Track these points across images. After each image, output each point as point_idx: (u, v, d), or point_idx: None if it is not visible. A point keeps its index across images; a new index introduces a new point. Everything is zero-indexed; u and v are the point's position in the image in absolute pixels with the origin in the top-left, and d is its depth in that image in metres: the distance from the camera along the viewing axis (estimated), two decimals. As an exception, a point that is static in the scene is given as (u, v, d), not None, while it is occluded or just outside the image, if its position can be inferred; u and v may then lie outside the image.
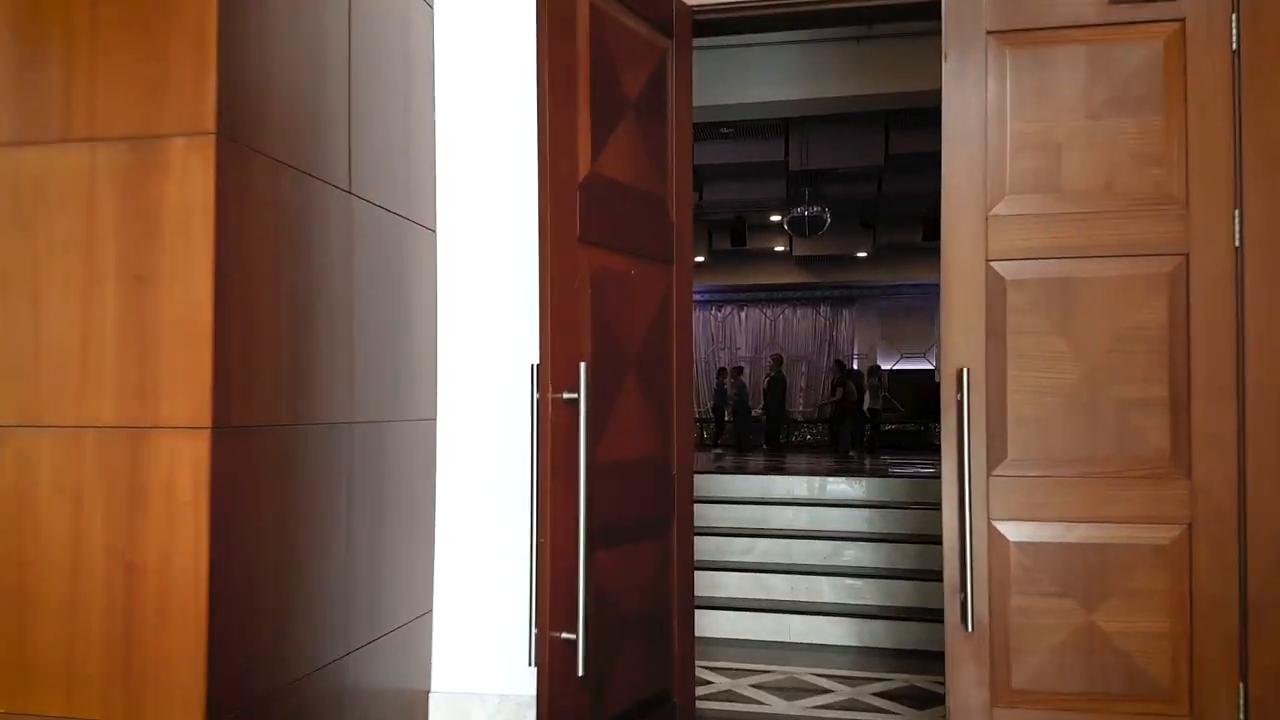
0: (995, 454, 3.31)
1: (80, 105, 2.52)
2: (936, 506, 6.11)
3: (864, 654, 5.35)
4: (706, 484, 6.72)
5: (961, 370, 3.27)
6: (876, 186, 18.81)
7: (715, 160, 18.01)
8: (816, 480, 6.90)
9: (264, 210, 2.69)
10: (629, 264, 3.22)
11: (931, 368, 22.69)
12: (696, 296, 20.80)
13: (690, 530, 3.59)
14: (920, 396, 21.07)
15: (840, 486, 6.68)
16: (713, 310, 23.50)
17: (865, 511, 6.41)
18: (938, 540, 5.65)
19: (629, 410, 3.20)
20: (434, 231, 3.81)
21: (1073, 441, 3.25)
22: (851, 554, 5.94)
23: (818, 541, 6.08)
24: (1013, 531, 3.31)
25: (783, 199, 17.98)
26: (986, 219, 3.37)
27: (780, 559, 6.04)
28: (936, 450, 3.84)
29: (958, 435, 3.23)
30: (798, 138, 17.51)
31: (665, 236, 3.49)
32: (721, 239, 19.66)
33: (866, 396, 16.89)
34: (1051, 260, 3.32)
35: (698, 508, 6.25)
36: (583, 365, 2.83)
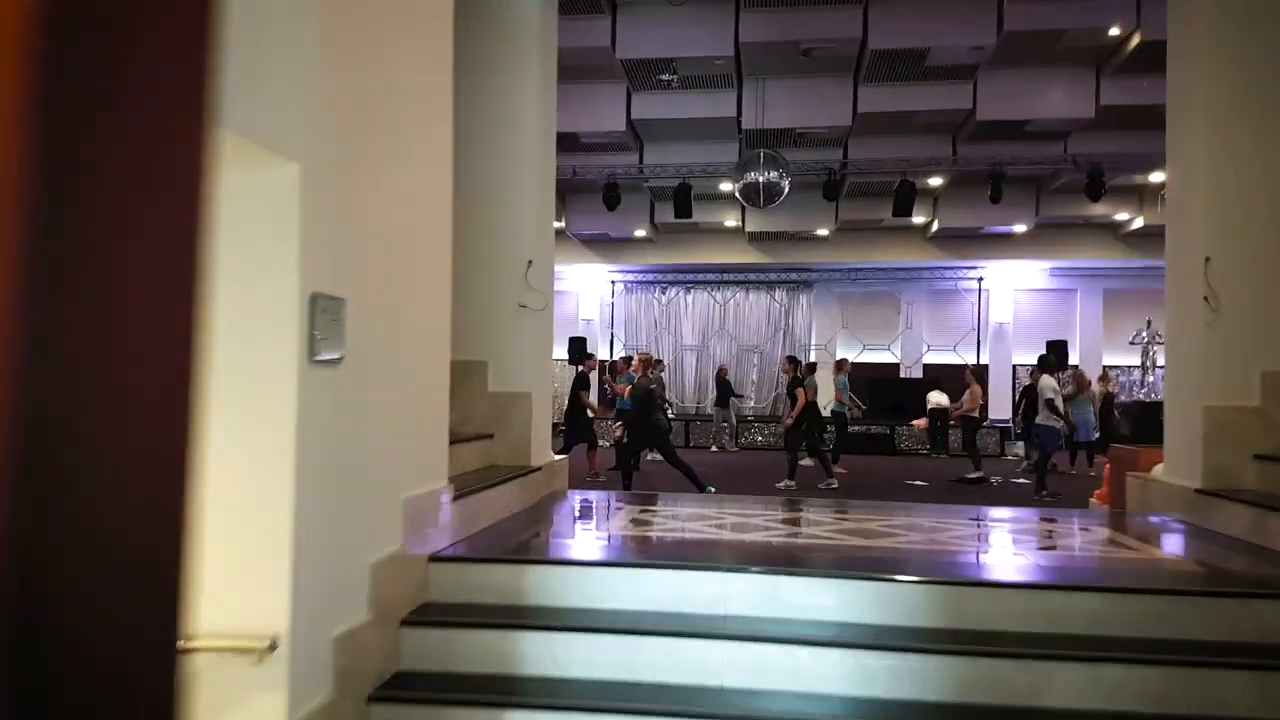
0: None
1: None
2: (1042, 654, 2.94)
3: None
4: (546, 583, 3.68)
5: None
6: (841, 151, 15.89)
7: (656, 114, 14.89)
8: (768, 584, 3.43)
9: None
10: None
11: (896, 360, 19.84)
12: (638, 276, 17.50)
13: None
14: (884, 394, 18.19)
15: (829, 592, 3.42)
16: (656, 292, 20.36)
17: (887, 659, 3.13)
18: None
19: None
20: None
21: None
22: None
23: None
24: None
25: (735, 164, 14.92)
26: None
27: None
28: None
29: None
30: (753, 89, 14.45)
31: None
32: (665, 210, 16.56)
33: (841, 398, 13.85)
34: None
35: (525, 639, 3.11)
36: None
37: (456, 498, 4.23)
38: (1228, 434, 5.12)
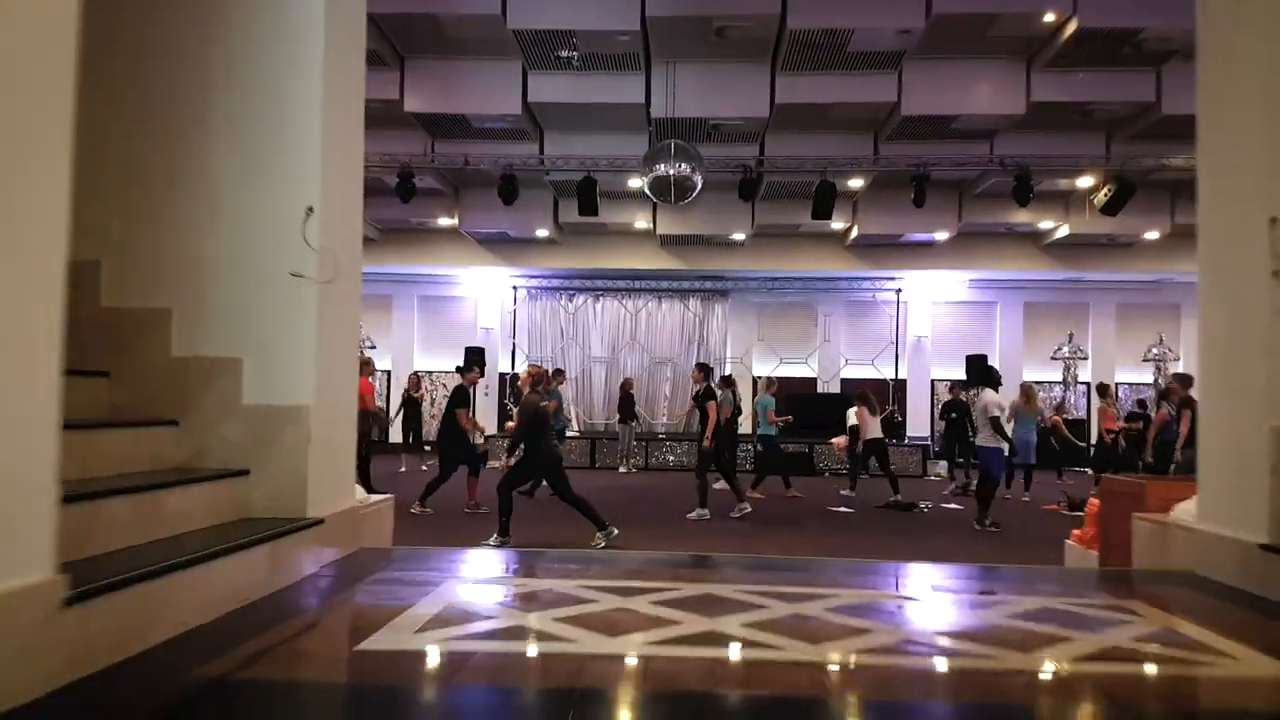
0: None
1: None
2: None
3: None
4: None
5: None
6: (758, 147, 14.34)
7: (557, 97, 13.02)
8: None
9: None
10: None
11: (814, 375, 18.36)
12: (542, 281, 15.77)
13: None
14: (802, 410, 16.69)
15: None
16: (562, 299, 18.44)
17: None
18: None
19: None
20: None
21: None
22: None
23: None
24: None
25: (644, 157, 13.16)
26: None
27: None
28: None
29: None
30: (662, 73, 12.76)
31: None
32: (570, 208, 14.68)
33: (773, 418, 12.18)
34: None
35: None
36: None
37: (89, 594, 2.25)
38: (1304, 466, 3.53)
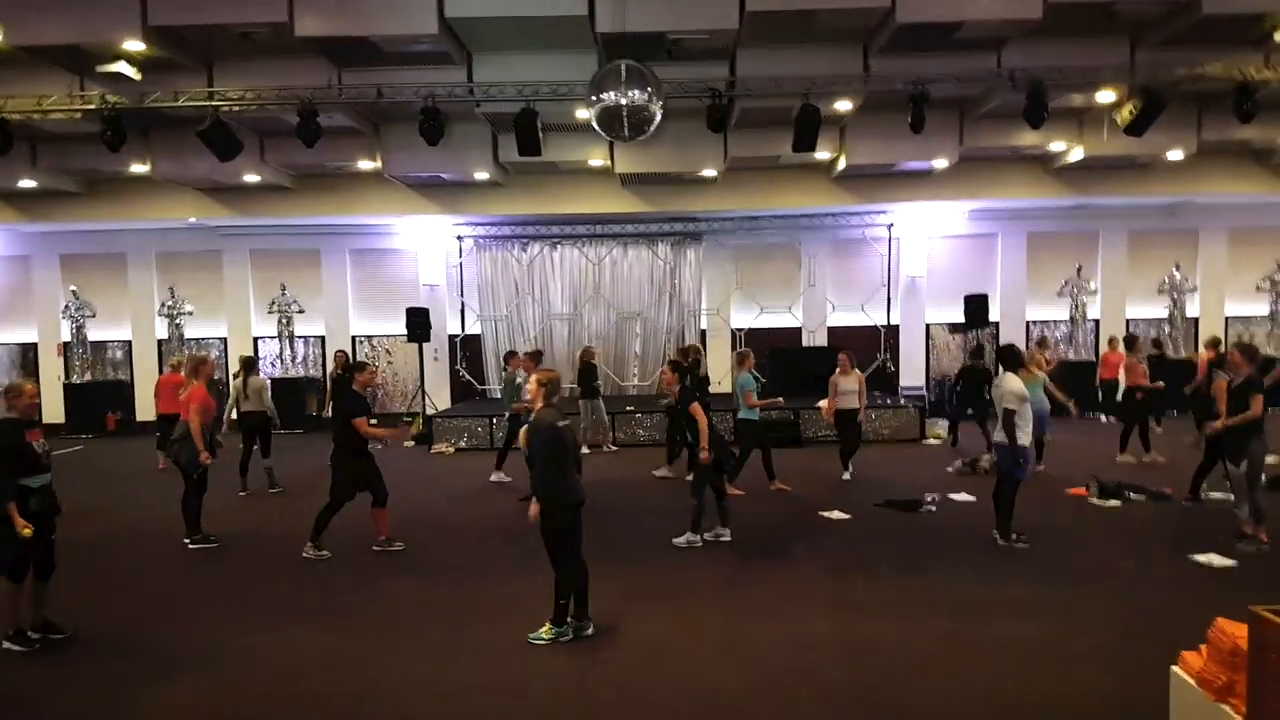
0: None
1: None
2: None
3: None
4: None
5: None
6: (728, 67, 11.93)
7: (480, 11, 10.49)
8: None
9: None
10: None
11: (798, 324, 16.24)
12: (490, 229, 13.05)
13: None
14: (787, 368, 14.65)
15: None
16: (515, 249, 16.10)
17: None
18: None
19: None
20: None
21: None
22: None
23: None
24: None
25: (589, 83, 10.73)
26: None
27: None
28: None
29: None
30: (609, -23, 10.25)
31: None
32: (511, 145, 12.23)
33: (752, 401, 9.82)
34: None
35: None
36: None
37: None
38: None
